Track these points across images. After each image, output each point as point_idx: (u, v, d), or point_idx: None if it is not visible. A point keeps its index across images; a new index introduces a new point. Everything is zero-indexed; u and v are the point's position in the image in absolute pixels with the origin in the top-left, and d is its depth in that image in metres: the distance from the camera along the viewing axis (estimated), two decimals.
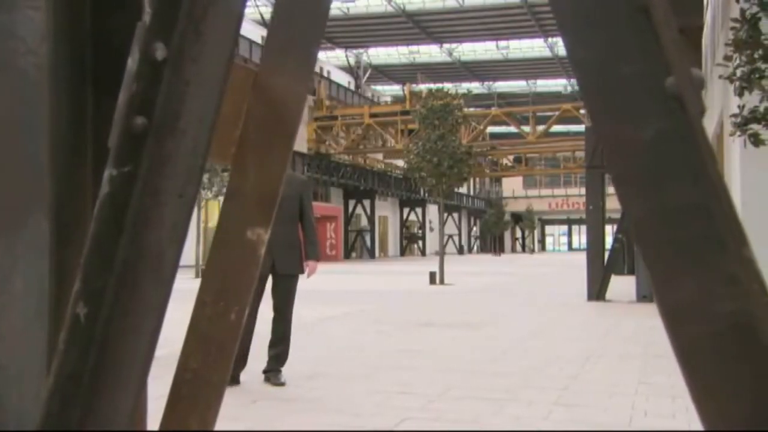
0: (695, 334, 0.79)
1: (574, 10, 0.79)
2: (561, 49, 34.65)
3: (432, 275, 16.58)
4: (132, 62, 0.89)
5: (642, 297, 10.89)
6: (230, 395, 4.48)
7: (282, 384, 4.76)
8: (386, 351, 6.28)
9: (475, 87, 48.66)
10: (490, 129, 40.46)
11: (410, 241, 49.21)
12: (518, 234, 66.42)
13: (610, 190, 16.59)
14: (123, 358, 0.90)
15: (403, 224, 48.26)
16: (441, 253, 17.48)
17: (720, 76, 8.16)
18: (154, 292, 0.91)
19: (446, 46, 44.43)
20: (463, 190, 50.59)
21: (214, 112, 0.93)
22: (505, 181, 62.37)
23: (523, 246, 65.88)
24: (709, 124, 13.55)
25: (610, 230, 15.47)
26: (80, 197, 1.10)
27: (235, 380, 4.76)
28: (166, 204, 0.90)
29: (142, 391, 0.96)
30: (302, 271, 5.02)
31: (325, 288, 14.00)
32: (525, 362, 5.65)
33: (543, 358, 5.83)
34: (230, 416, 3.96)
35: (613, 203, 11.70)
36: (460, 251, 55.51)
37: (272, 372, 4.85)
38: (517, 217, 59.49)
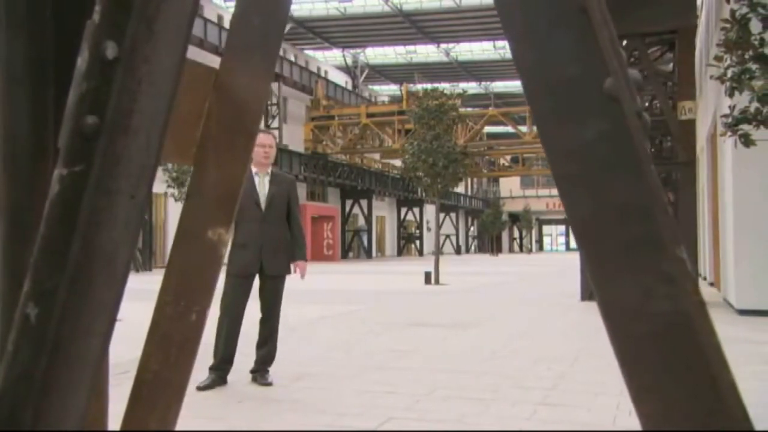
0: (634, 333, 0.79)
1: (519, 13, 0.79)
2: None
3: (427, 275, 16.58)
4: (81, 61, 0.88)
5: None
6: (216, 395, 4.49)
7: (269, 384, 4.75)
8: (375, 351, 6.28)
9: (472, 87, 48.66)
10: (487, 129, 40.46)
11: (408, 241, 49.21)
12: (516, 234, 66.45)
13: None
14: (75, 359, 0.89)
15: (401, 224, 48.25)
16: (436, 253, 17.49)
17: (711, 77, 8.16)
18: (107, 292, 0.90)
19: (443, 46, 44.44)
20: (460, 190, 50.60)
21: (167, 111, 0.92)
22: (502, 181, 62.40)
23: (521, 246, 65.89)
24: (704, 124, 13.55)
25: None
26: (40, 198, 1.09)
27: (222, 380, 4.75)
28: (118, 204, 0.90)
29: (94, 392, 0.96)
30: (290, 272, 5.01)
31: (319, 288, 13.99)
32: (513, 362, 5.65)
33: (531, 357, 5.83)
34: (216, 416, 3.95)
35: None
36: (458, 251, 55.52)
37: (259, 372, 4.84)
38: (514, 217, 59.52)
